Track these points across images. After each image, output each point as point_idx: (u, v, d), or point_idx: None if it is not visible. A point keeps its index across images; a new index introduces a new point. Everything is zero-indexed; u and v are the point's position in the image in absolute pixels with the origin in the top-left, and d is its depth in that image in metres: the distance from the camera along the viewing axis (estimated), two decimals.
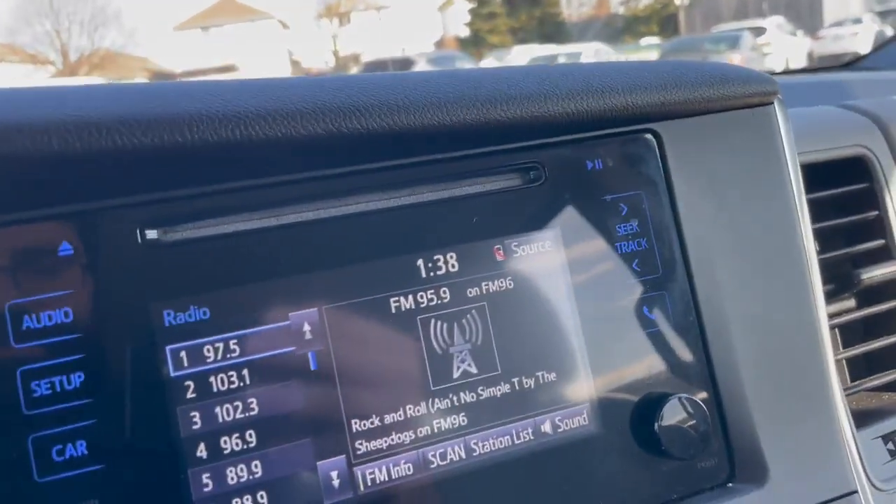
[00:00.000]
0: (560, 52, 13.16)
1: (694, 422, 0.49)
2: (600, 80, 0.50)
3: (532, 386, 0.48)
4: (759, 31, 13.59)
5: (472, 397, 0.47)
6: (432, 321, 0.47)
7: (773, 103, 0.55)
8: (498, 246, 0.49)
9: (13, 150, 0.37)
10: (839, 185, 0.66)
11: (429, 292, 0.47)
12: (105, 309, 0.41)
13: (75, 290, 0.40)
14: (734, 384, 0.52)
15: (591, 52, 12.37)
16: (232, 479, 0.42)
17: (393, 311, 0.46)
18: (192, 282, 0.43)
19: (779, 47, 13.69)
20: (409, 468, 0.45)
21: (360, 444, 0.44)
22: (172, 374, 0.42)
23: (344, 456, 0.44)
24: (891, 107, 0.70)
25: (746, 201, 0.54)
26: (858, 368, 0.67)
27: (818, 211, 0.65)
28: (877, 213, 0.66)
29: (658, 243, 0.52)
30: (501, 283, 0.49)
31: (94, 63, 29.90)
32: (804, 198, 0.56)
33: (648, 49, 18.54)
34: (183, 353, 0.42)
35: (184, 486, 0.41)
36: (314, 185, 0.46)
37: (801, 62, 14.43)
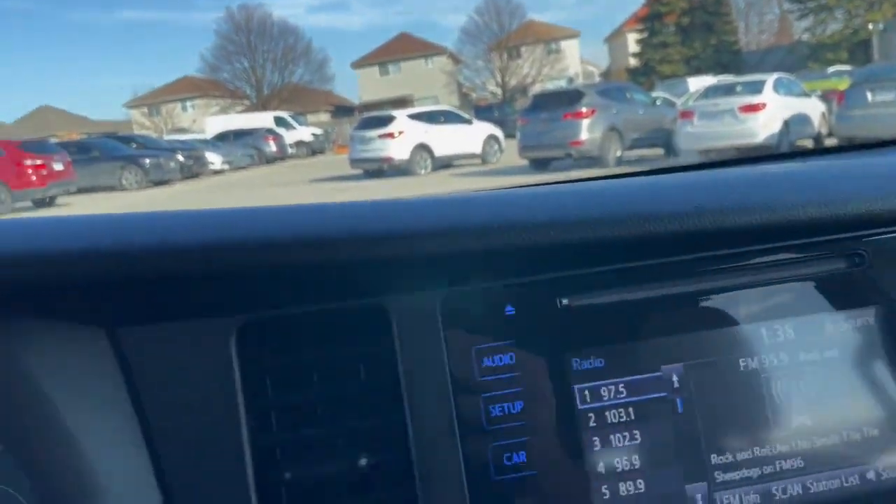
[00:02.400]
0: (739, 81, 12.65)
1: None
2: None
3: (858, 439, 0.57)
4: None
5: (808, 444, 0.57)
6: (773, 380, 0.57)
7: None
8: (826, 319, 0.59)
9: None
10: None
11: (770, 355, 0.58)
12: (535, 355, 0.55)
13: (516, 340, 0.55)
14: None
15: (772, 82, 11.77)
16: (623, 492, 0.55)
17: (741, 369, 0.57)
18: (592, 337, 0.56)
19: None
20: (756, 499, 0.56)
21: (718, 474, 0.55)
22: (579, 407, 0.55)
23: (706, 483, 0.55)
24: None
25: None
26: None
27: None
28: None
29: None
30: (830, 351, 0.58)
31: (284, 97, 32.58)
32: None
33: (837, 78, 17.40)
34: (587, 392, 0.55)
35: (591, 492, 0.54)
36: (684, 266, 0.58)
37: None
